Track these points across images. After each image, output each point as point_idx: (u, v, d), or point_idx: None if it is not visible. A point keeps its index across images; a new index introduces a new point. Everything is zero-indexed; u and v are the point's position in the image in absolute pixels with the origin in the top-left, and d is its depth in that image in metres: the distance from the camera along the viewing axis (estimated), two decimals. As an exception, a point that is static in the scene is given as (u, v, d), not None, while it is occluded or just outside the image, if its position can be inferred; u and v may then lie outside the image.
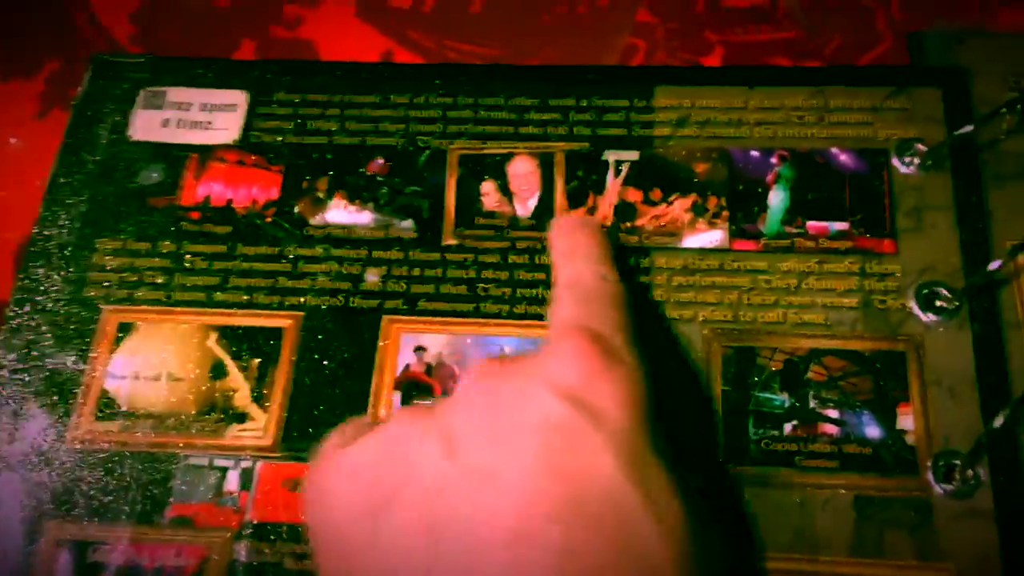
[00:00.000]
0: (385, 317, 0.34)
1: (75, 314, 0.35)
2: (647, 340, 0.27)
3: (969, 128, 0.34)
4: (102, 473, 0.32)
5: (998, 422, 0.30)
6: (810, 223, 0.35)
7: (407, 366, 0.33)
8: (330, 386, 0.33)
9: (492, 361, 0.25)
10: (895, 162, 0.35)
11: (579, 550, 0.20)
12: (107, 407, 0.33)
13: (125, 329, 0.35)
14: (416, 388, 0.33)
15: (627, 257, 0.34)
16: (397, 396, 0.33)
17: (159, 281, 0.36)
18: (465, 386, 0.25)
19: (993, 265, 0.32)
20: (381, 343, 0.34)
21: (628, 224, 0.35)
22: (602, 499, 0.21)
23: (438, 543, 0.21)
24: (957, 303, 0.32)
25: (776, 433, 0.31)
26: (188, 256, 0.36)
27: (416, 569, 0.21)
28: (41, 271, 0.36)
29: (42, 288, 0.36)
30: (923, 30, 0.39)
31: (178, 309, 0.35)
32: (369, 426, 0.26)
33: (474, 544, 0.21)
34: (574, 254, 0.30)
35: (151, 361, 0.34)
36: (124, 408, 0.33)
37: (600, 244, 0.30)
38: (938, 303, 0.33)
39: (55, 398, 0.34)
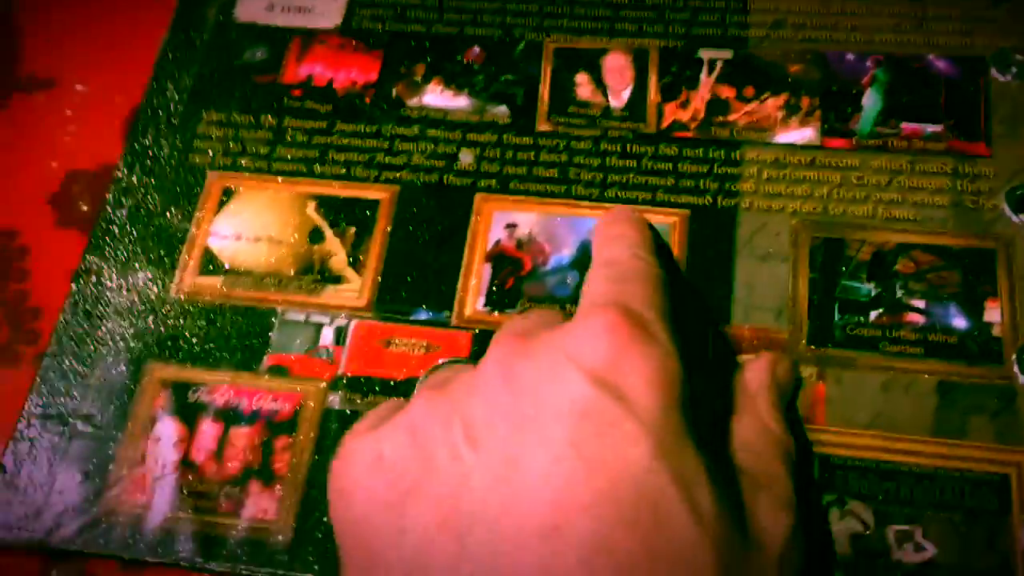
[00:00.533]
0: (478, 195, 0.35)
1: (181, 177, 0.37)
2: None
3: (1071, 35, 0.34)
4: (204, 322, 0.34)
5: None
6: (904, 124, 0.35)
7: (498, 240, 0.34)
8: (423, 255, 0.34)
9: (514, 334, 0.24)
10: (992, 71, 0.35)
11: (614, 545, 0.20)
12: (210, 263, 0.35)
13: (228, 194, 0.36)
14: (506, 262, 0.34)
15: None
16: (487, 268, 0.34)
17: (261, 151, 0.37)
18: (486, 367, 0.23)
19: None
20: (474, 218, 0.35)
21: (720, 119, 0.36)
22: (637, 491, 0.20)
23: (465, 537, 0.21)
24: (1050, 205, 0.33)
25: (861, 319, 0.32)
26: (289, 130, 0.37)
27: (444, 565, 0.21)
28: (149, 137, 0.38)
29: (150, 152, 0.37)
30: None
31: (279, 178, 0.36)
32: (395, 409, 0.25)
33: (503, 538, 0.20)
34: (615, 240, 0.29)
35: (253, 224, 0.35)
36: (226, 265, 0.35)
37: (642, 232, 0.29)
38: (1030, 205, 0.33)
39: (161, 253, 0.35)
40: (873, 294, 0.32)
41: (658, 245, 0.30)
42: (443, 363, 0.32)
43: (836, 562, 0.28)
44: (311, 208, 0.36)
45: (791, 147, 0.35)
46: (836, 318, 0.32)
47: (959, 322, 0.31)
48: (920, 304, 0.32)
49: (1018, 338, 0.31)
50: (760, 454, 0.26)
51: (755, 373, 0.29)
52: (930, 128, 0.35)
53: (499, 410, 0.22)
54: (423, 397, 0.24)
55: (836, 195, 0.34)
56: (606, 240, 0.29)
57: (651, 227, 0.31)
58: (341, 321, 0.33)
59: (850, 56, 0.37)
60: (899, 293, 0.32)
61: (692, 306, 0.33)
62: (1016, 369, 0.30)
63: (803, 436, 0.30)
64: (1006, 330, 0.31)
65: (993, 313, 0.31)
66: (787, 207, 0.34)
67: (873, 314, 0.32)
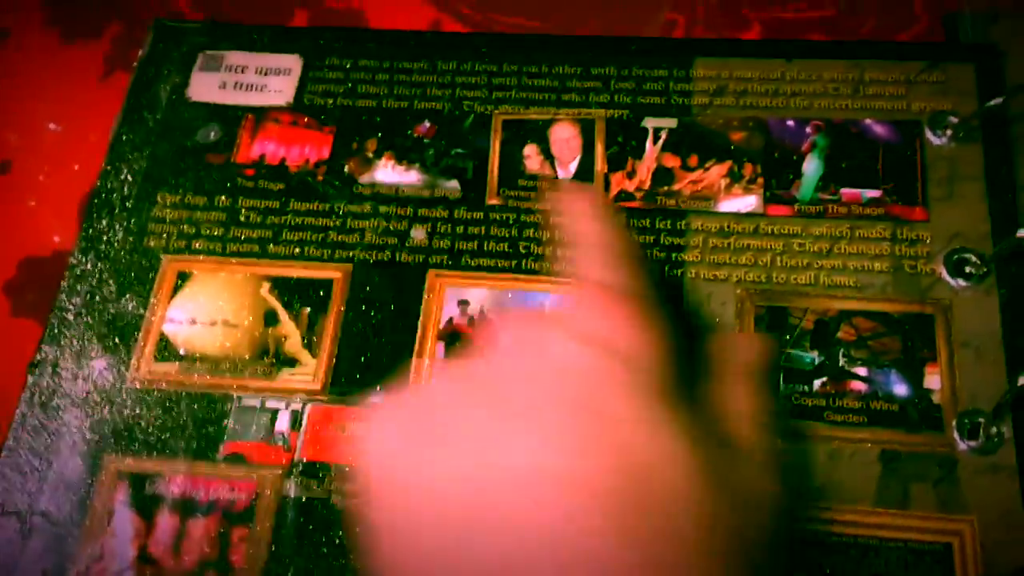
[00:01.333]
0: (430, 271, 0.36)
1: (136, 262, 0.37)
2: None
3: (1000, 100, 0.35)
4: (160, 411, 0.34)
5: (1022, 381, 0.31)
6: (843, 190, 0.36)
7: (450, 319, 0.35)
8: (377, 335, 0.35)
9: (518, 316, 0.26)
10: (928, 134, 0.36)
11: (606, 488, 0.22)
12: (166, 350, 0.35)
13: (183, 277, 0.36)
14: (459, 339, 0.35)
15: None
16: (440, 346, 0.34)
17: (215, 233, 0.37)
18: (494, 342, 0.26)
19: (1021, 232, 0.33)
20: (426, 296, 0.35)
21: (665, 188, 0.37)
22: (627, 438, 0.22)
23: (482, 488, 0.23)
24: (985, 269, 0.33)
25: (806, 388, 0.32)
26: (243, 210, 0.38)
27: (462, 516, 0.23)
28: (104, 222, 0.38)
29: (105, 238, 0.38)
30: (958, 10, 0.40)
31: (233, 260, 0.37)
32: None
33: (513, 486, 0.22)
34: (590, 215, 0.30)
35: (207, 308, 0.36)
36: (182, 351, 0.35)
37: (612, 208, 0.31)
38: (967, 269, 0.34)
39: (117, 340, 0.35)
40: (817, 362, 0.33)
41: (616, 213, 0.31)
42: None
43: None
44: (265, 289, 0.36)
45: (735, 215, 0.36)
46: (781, 388, 0.33)
47: (900, 389, 0.32)
48: (862, 371, 0.33)
49: (957, 404, 0.32)
50: (740, 422, 0.27)
51: (739, 345, 0.30)
52: (869, 193, 0.36)
53: (509, 375, 0.24)
54: (442, 373, 0.26)
55: (779, 263, 0.35)
56: (580, 216, 0.30)
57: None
58: (296, 405, 0.34)
59: (790, 122, 0.37)
60: (842, 361, 0.33)
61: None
62: (956, 436, 0.31)
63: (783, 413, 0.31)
64: (946, 397, 0.32)
65: (933, 379, 0.32)
66: (732, 276, 0.35)
67: (817, 383, 0.33)
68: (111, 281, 0.37)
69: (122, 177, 0.39)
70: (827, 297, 0.34)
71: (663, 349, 0.25)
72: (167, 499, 0.32)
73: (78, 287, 0.37)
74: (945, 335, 0.33)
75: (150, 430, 0.34)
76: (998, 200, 0.35)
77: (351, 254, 0.37)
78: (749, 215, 0.36)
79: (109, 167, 0.39)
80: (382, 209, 0.37)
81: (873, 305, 0.34)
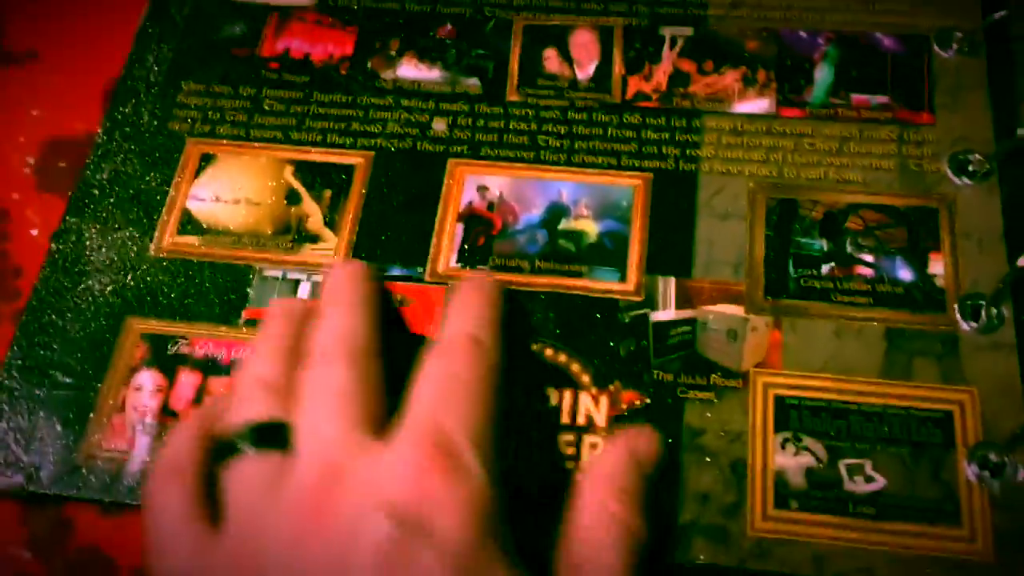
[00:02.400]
0: (451, 160, 0.37)
1: (160, 144, 0.38)
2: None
3: (1003, 13, 0.37)
4: (182, 279, 0.35)
5: (1021, 262, 0.32)
6: (853, 96, 0.37)
7: (470, 202, 0.36)
8: (397, 216, 0.36)
9: (328, 473, 0.24)
10: (935, 47, 0.38)
11: None
12: (189, 224, 0.36)
13: (207, 159, 0.37)
14: (478, 221, 0.35)
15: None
16: (460, 227, 0.35)
17: (239, 119, 0.38)
18: (292, 514, 0.23)
19: (1022, 131, 0.34)
20: (446, 181, 0.36)
21: (681, 90, 0.38)
22: None
23: None
24: (988, 167, 0.35)
25: (814, 272, 0.34)
26: (267, 99, 0.38)
27: None
28: (129, 107, 0.39)
29: (130, 120, 0.38)
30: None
31: (256, 144, 0.37)
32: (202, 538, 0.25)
33: None
34: (461, 312, 0.29)
35: (231, 186, 0.36)
36: (204, 225, 0.36)
37: (491, 308, 0.29)
38: (970, 167, 0.35)
39: (140, 213, 0.36)
40: (825, 249, 0.34)
41: (509, 315, 0.29)
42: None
43: (792, 493, 0.30)
44: (288, 172, 0.37)
45: (748, 116, 0.37)
46: (791, 271, 0.34)
47: (905, 274, 0.33)
48: (869, 258, 0.34)
49: (960, 288, 0.33)
50: (592, 542, 0.25)
51: (610, 453, 0.27)
52: (877, 99, 0.37)
53: (313, 559, 0.23)
54: (232, 539, 0.24)
55: (790, 160, 0.36)
56: (454, 309, 0.29)
57: (505, 297, 0.30)
58: (317, 278, 0.34)
59: (803, 34, 0.39)
60: (849, 248, 0.34)
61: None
62: (958, 317, 0.32)
63: (663, 517, 0.29)
64: (948, 281, 0.33)
65: (936, 266, 0.33)
66: (744, 171, 0.36)
67: (825, 268, 0.34)
68: (135, 160, 0.37)
69: (147, 66, 0.40)
70: (836, 191, 0.35)
71: (480, 516, 0.23)
72: (188, 358, 0.33)
73: (103, 165, 0.37)
74: (948, 226, 0.34)
75: (172, 296, 0.34)
76: (1000, 106, 0.36)
77: (373, 142, 0.37)
78: (762, 116, 0.37)
79: (134, 56, 0.40)
80: (404, 102, 0.38)
81: (880, 199, 0.35)
